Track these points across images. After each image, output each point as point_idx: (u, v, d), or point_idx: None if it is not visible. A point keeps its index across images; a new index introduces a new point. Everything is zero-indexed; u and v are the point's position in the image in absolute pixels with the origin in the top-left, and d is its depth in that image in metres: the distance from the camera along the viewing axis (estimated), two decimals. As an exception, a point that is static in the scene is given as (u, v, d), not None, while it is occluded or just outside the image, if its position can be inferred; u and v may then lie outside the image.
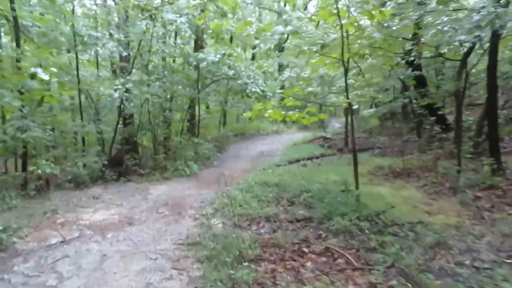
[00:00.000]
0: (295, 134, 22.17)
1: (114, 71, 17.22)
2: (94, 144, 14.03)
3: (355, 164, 6.77)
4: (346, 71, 6.78)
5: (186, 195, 8.38)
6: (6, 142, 8.98)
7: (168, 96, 13.24)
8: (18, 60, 8.59)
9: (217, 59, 11.59)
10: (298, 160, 12.20)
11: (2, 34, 14.96)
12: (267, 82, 14.18)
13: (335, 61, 7.24)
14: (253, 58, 26.48)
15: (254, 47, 27.33)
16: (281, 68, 25.41)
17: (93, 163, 9.78)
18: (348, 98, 6.68)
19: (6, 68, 9.03)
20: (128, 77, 10.38)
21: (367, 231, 5.44)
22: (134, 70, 13.28)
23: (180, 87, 12.48)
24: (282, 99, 7.29)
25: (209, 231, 5.76)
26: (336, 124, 30.20)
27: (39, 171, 8.14)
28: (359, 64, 10.12)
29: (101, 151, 13.08)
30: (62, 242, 5.40)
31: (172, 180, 10.09)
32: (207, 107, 21.62)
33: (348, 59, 6.86)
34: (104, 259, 4.85)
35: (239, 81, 13.38)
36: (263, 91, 13.60)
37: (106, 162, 10.27)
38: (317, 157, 12.83)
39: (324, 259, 4.69)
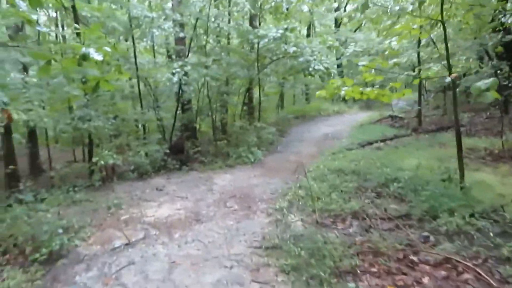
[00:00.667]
0: (358, 114, 20.67)
1: (170, 57, 16.91)
2: (154, 132, 13.75)
3: (459, 148, 5.53)
4: (445, 33, 5.49)
5: (254, 185, 7.60)
6: (71, 132, 8.77)
7: (225, 79, 12.51)
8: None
9: (279, 34, 10.55)
10: (370, 143, 10.95)
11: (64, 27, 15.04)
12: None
13: (427, 23, 5.95)
14: (308, 35, 25.01)
15: (309, 26, 25.94)
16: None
17: (155, 152, 9.31)
18: (449, 67, 5.41)
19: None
20: (186, 60, 9.68)
21: (490, 233, 4.28)
22: (190, 54, 12.70)
23: (237, 68, 11.60)
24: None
25: (288, 231, 4.90)
26: (400, 102, 27.95)
27: (102, 162, 7.79)
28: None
29: (161, 139, 12.75)
30: (126, 244, 4.81)
31: (235, 168, 9.37)
32: (262, 89, 20.71)
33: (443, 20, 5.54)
34: (173, 267, 4.17)
35: (300, 59, 12.26)
36: (327, 68, 12.37)
37: (167, 150, 9.77)
38: (390, 139, 11.46)
39: (443, 272, 3.63)
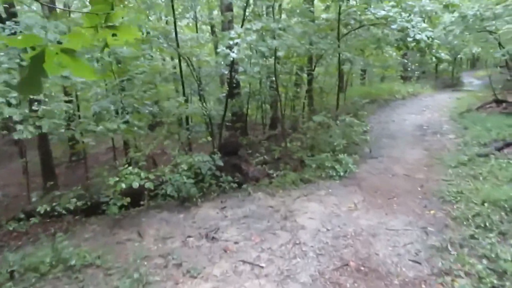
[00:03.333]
0: (435, 96, 16.64)
1: (214, 33, 14.06)
2: (198, 122, 10.81)
3: None
4: None
5: (367, 233, 4.32)
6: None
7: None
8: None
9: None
10: (508, 144, 7.24)
11: None
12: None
13: None
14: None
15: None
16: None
17: (203, 164, 6.09)
18: None
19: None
20: (250, 26, 6.23)
21: None
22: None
23: (314, 39, 8.06)
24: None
25: None
26: (473, 80, 23.23)
27: (123, 186, 4.79)
28: None
29: (208, 134, 9.72)
30: None
31: (319, 188, 6.05)
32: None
33: None
34: None
35: (393, 26, 8.60)
36: (431, 38, 8.62)
37: (217, 159, 6.54)
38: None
39: None
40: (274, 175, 6.67)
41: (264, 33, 6.17)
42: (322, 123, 7.44)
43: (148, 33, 12.45)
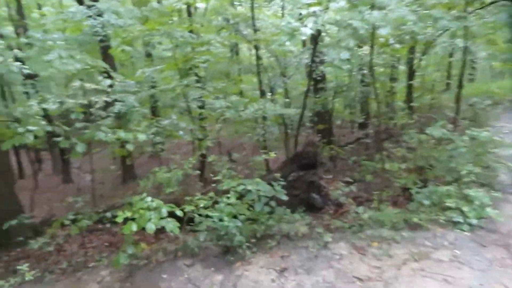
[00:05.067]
0: None
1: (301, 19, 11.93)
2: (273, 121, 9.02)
3: None
4: None
5: None
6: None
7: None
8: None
9: None
10: None
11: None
12: None
13: None
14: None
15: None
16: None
17: (256, 194, 4.06)
18: None
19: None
20: None
21: None
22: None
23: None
24: None
25: None
26: None
27: (133, 229, 3.15)
28: None
29: (282, 136, 7.91)
30: None
31: (434, 242, 3.79)
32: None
33: None
34: None
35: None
36: None
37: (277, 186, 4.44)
38: None
39: None
40: (364, 204, 4.58)
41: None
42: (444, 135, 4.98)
43: (228, 20, 11.00)
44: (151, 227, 2.95)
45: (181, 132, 4.70)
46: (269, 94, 10.14)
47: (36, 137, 3.44)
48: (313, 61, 6.79)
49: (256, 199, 3.76)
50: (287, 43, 8.66)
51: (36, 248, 3.93)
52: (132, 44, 6.99)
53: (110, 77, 7.32)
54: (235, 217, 3.58)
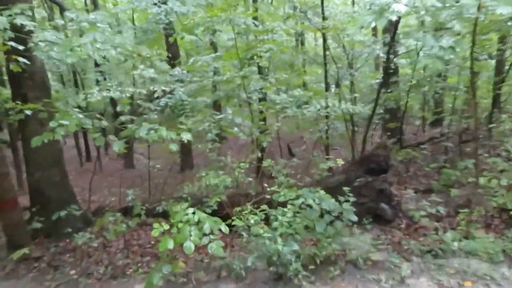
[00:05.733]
0: None
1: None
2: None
3: None
4: None
5: None
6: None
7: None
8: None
9: None
10: None
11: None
12: None
13: None
14: None
15: None
16: None
17: (318, 212, 3.31)
18: None
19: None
20: None
21: None
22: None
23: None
24: None
25: None
26: None
27: (169, 247, 2.61)
28: None
29: (347, 134, 7.11)
30: None
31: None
32: None
33: None
34: None
35: None
36: None
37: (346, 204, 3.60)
38: None
39: None
40: (444, 221, 3.72)
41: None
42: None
43: (295, 8, 10.29)
44: (190, 247, 2.46)
45: (236, 129, 4.22)
46: (333, 86, 9.32)
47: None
48: (390, 51, 5.86)
49: (316, 217, 3.09)
50: (358, 30, 7.79)
51: (81, 243, 3.72)
52: (193, 31, 6.61)
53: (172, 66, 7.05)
54: (291, 235, 2.95)
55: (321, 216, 3.11)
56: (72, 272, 3.46)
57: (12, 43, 3.20)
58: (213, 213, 3.40)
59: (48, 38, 3.16)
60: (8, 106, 3.63)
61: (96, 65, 9.34)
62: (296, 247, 2.89)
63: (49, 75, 10.59)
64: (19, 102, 3.54)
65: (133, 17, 11.43)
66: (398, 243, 3.72)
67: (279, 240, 2.85)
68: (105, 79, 9.15)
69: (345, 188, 3.33)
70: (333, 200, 3.11)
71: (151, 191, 6.61)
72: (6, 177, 4.13)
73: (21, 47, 3.30)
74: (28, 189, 4.76)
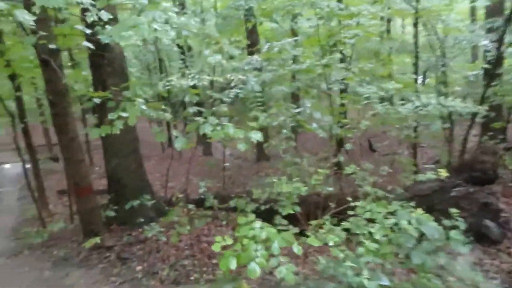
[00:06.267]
0: None
1: None
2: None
3: None
4: None
5: None
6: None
7: None
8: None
9: None
10: None
11: None
12: None
13: None
14: None
15: None
16: None
17: (431, 232, 2.42)
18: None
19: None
20: None
21: None
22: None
23: None
24: None
25: None
26: None
27: (231, 267, 2.25)
28: None
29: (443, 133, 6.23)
30: None
31: None
32: None
33: None
34: None
35: None
36: None
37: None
38: None
39: None
40: None
41: None
42: None
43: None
44: (255, 270, 2.09)
45: (314, 125, 3.80)
46: (421, 78, 8.28)
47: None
48: (503, 36, 4.88)
49: (413, 244, 2.46)
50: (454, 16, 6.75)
51: (151, 235, 3.69)
52: (272, 17, 6.25)
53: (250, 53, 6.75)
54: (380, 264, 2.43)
55: (418, 242, 2.50)
56: (139, 268, 3.45)
57: (79, 27, 3.12)
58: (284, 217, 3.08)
59: (103, 17, 2.99)
60: (79, 94, 3.64)
61: (182, 53, 9.52)
62: (386, 282, 2.33)
63: (136, 62, 11.11)
64: (91, 90, 3.53)
65: (215, 5, 11.46)
66: (508, 273, 3.02)
67: (366, 272, 2.36)
68: (186, 66, 9.27)
69: (454, 211, 2.60)
70: (434, 224, 2.46)
71: (226, 182, 6.54)
72: (82, 164, 4.21)
73: (88, 31, 3.22)
74: (106, 175, 4.90)
